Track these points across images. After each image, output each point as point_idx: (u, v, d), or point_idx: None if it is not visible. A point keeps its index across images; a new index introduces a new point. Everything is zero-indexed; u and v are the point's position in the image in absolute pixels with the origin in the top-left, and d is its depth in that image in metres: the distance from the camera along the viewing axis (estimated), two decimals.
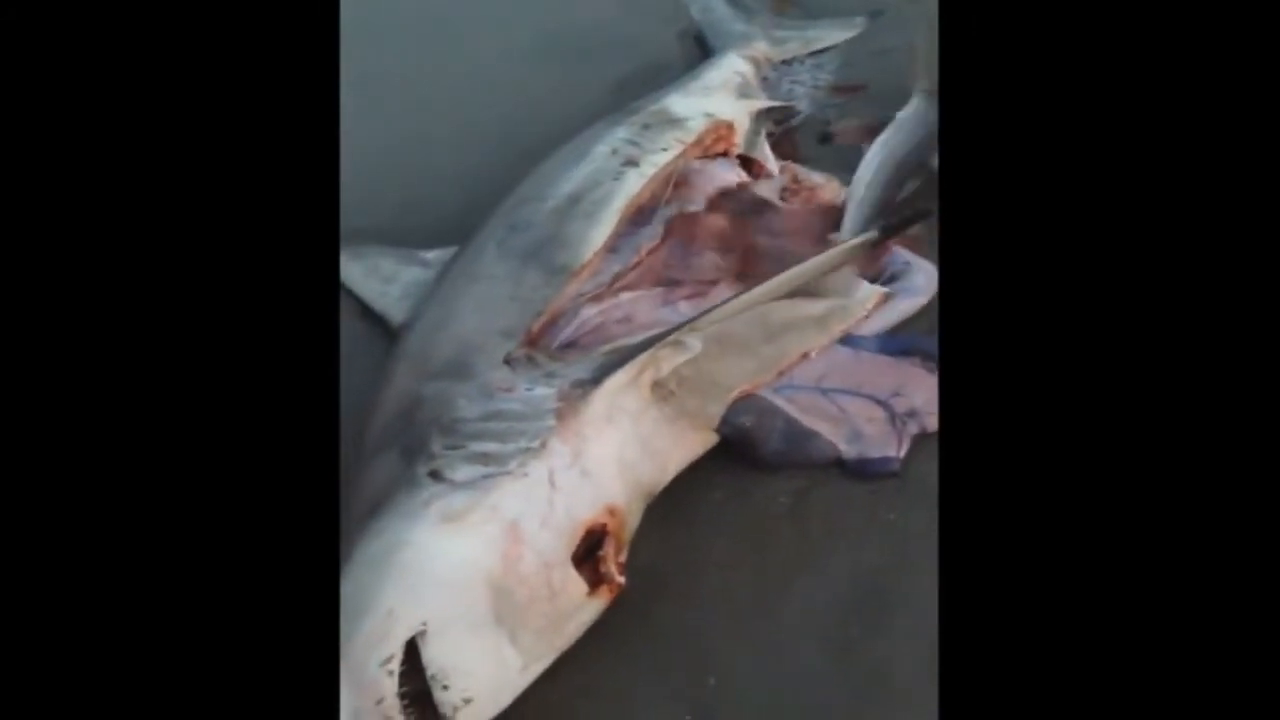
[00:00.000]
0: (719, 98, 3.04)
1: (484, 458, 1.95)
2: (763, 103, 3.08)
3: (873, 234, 2.41)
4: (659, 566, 2.01)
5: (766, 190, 2.71)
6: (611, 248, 2.47)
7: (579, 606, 1.87)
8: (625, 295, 2.39)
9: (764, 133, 2.94)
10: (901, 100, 2.77)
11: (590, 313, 2.33)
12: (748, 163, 2.84)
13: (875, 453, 2.11)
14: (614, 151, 2.71)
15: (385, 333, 2.52)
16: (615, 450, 2.02)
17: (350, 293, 2.63)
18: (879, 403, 2.18)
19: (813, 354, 2.26)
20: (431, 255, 2.63)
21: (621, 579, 1.92)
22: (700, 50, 3.44)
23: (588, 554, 1.91)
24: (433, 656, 1.72)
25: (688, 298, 2.39)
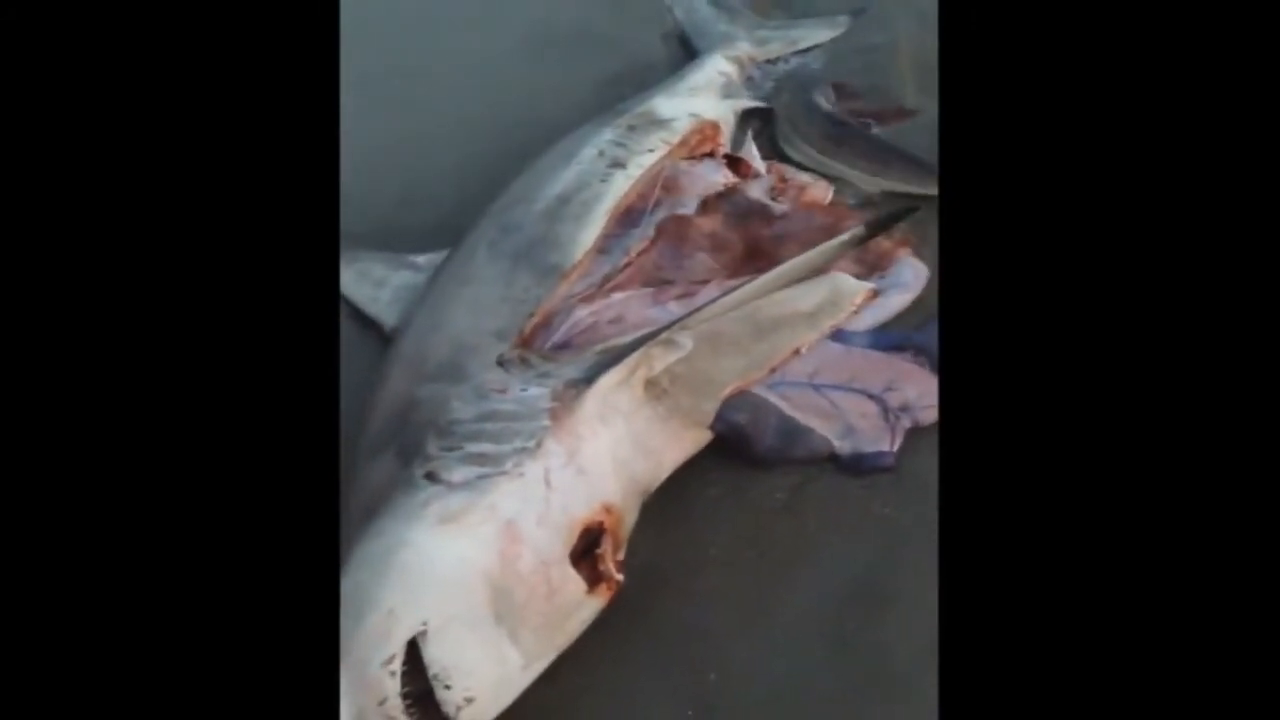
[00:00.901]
0: (703, 98, 3.06)
1: (480, 458, 1.95)
2: (747, 103, 3.10)
3: (859, 230, 2.42)
4: (657, 564, 2.02)
5: (756, 190, 2.72)
6: (601, 249, 2.48)
7: (578, 604, 1.87)
8: (616, 295, 2.39)
9: (750, 133, 2.95)
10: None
11: (582, 313, 2.33)
12: (734, 163, 2.84)
13: (869, 447, 2.12)
14: (601, 153, 2.72)
15: (378, 336, 2.51)
16: (610, 448, 2.03)
17: (342, 297, 2.61)
18: (872, 397, 2.19)
19: (803, 350, 2.26)
20: (422, 259, 2.63)
21: (620, 576, 1.92)
22: (684, 52, 3.45)
23: (585, 552, 1.91)
24: (434, 656, 1.72)
25: (679, 297, 2.38)
